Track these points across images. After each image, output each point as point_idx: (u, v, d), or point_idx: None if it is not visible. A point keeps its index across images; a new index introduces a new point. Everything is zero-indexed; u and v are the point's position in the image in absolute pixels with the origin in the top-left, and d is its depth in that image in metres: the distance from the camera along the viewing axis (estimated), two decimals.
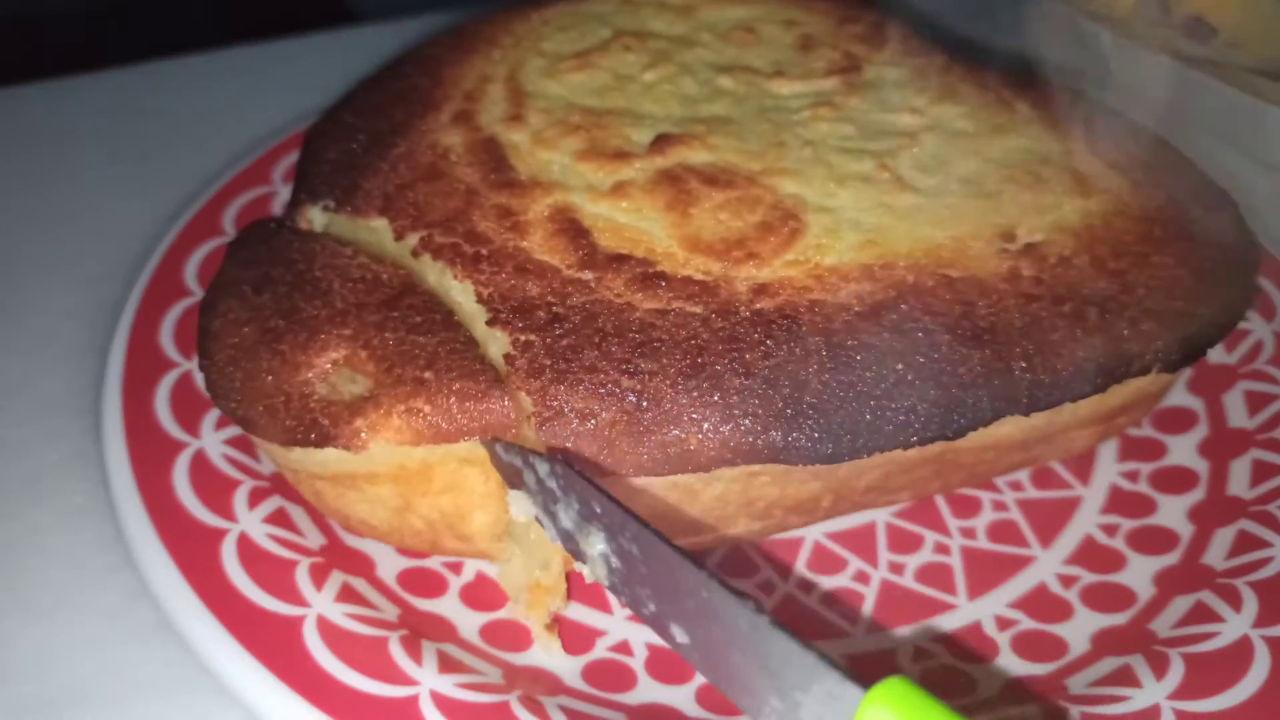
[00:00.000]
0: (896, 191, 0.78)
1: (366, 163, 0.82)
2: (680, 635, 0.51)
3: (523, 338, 0.68)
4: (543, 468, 0.58)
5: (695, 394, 0.66)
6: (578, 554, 0.59)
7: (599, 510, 0.54)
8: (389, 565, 0.75)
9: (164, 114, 1.22)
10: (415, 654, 0.66)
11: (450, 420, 0.65)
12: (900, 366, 0.68)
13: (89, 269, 1.01)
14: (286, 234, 0.79)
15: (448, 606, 0.72)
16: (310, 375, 0.68)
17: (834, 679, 0.45)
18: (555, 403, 0.66)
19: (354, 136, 0.86)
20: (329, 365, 0.69)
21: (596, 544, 0.56)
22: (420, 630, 0.69)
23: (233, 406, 0.70)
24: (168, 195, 1.07)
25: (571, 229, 0.74)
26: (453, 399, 0.66)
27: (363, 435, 0.64)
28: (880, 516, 0.81)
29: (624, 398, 0.66)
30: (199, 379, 0.77)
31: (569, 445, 0.66)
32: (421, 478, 0.68)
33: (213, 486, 0.75)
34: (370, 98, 0.92)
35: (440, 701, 0.63)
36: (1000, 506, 0.83)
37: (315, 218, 0.82)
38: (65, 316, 0.97)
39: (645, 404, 0.66)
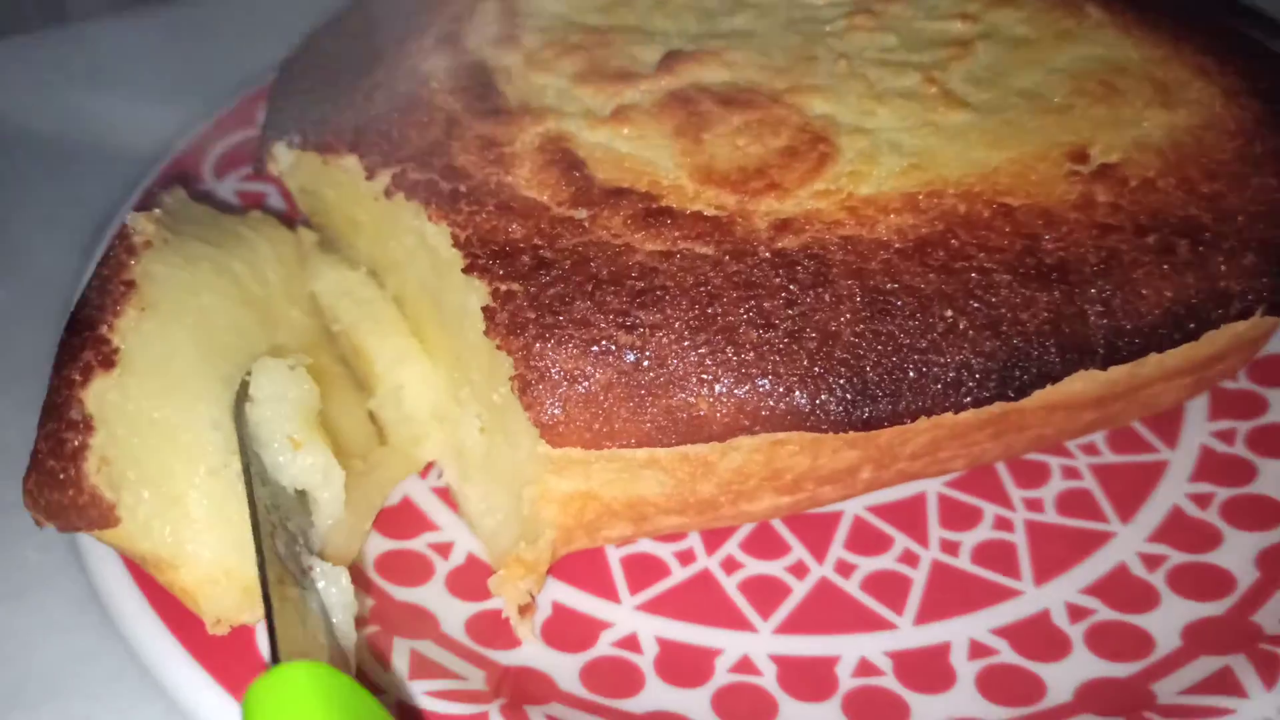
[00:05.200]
0: (945, 108, 0.67)
1: (339, 93, 0.72)
2: None
3: (503, 287, 0.58)
4: None
5: (705, 350, 0.56)
6: None
7: None
8: (368, 548, 0.66)
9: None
10: (384, 655, 0.57)
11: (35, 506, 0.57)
12: (950, 313, 0.57)
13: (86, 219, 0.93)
14: None
15: (431, 596, 0.64)
16: None
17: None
18: (540, 363, 0.56)
19: (330, 65, 0.77)
20: None
21: None
22: (394, 625, 0.61)
23: None
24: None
25: (564, 160, 0.64)
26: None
27: None
28: (931, 486, 0.71)
29: (621, 356, 0.56)
30: None
31: (557, 413, 0.56)
32: None
33: None
34: (353, 23, 0.82)
35: (406, 714, 0.54)
36: (1071, 473, 0.72)
37: (281, 156, 0.73)
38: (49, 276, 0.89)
39: (646, 363, 0.56)
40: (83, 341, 0.57)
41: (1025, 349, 0.58)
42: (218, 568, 0.55)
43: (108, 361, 0.56)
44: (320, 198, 0.75)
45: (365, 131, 0.68)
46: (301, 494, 0.58)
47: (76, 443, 0.55)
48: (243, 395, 0.58)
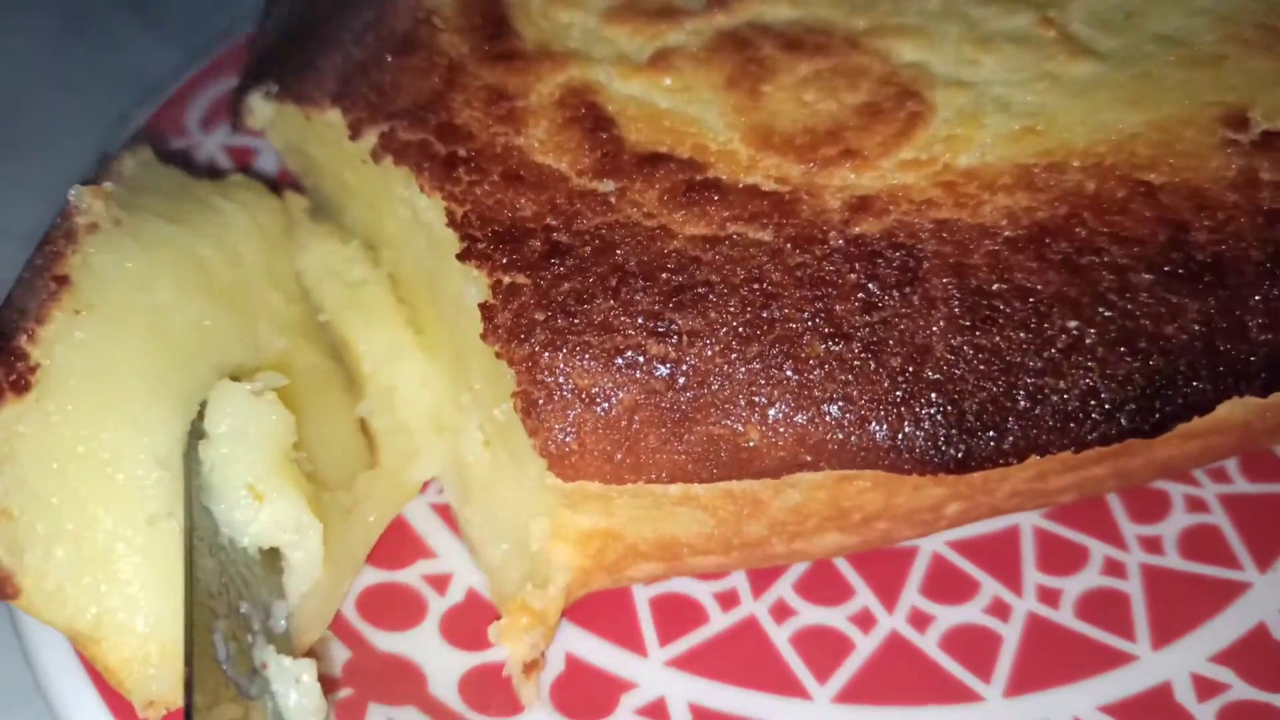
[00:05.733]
0: (1066, 57, 0.55)
1: (326, 32, 0.61)
2: None
3: (507, 279, 0.47)
4: None
5: (758, 365, 0.46)
6: None
7: None
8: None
9: None
10: None
11: None
12: (1074, 324, 0.46)
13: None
14: None
15: (420, 644, 0.55)
16: None
17: None
18: (549, 378, 0.45)
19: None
20: None
21: None
22: (372, 687, 0.51)
23: None
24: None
25: (589, 118, 0.52)
26: None
27: None
28: (1026, 519, 0.60)
29: (651, 370, 0.46)
30: None
31: (569, 441, 0.44)
32: None
33: None
34: None
35: None
36: (1197, 505, 0.61)
37: (258, 108, 0.61)
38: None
39: (683, 380, 0.46)
40: None
41: (1169, 372, 0.46)
42: (151, 641, 0.45)
43: (22, 383, 0.46)
44: (308, 157, 0.65)
45: (351, 80, 0.57)
46: (270, 553, 0.47)
47: None
48: (196, 431, 0.48)
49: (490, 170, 0.51)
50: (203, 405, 0.48)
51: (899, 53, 0.55)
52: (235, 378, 0.49)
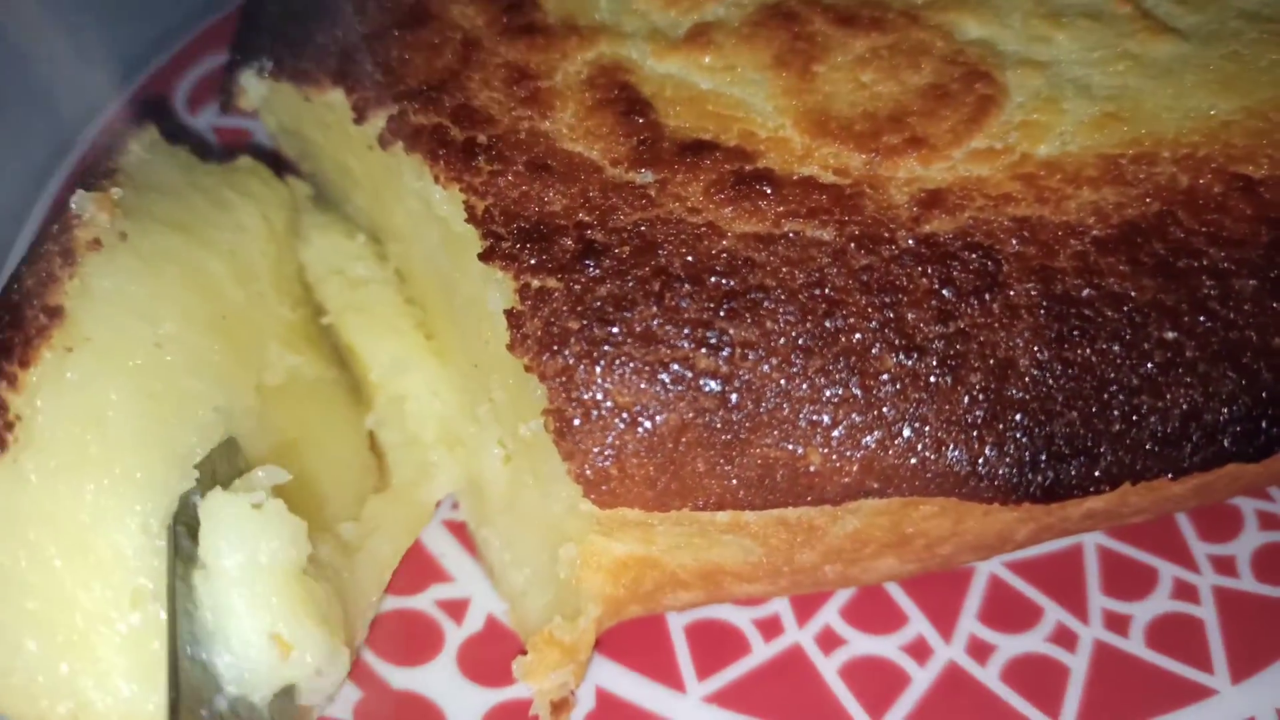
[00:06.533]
0: (1146, 34, 0.51)
1: (326, 1, 0.55)
2: None
3: (536, 282, 0.42)
4: None
5: (821, 381, 0.41)
6: None
7: None
8: None
9: None
10: None
11: None
12: (1172, 335, 0.42)
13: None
14: None
15: (437, 680, 0.50)
16: None
17: None
18: (586, 394, 0.40)
19: None
20: None
21: None
22: None
23: None
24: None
25: (622, 100, 0.47)
26: None
27: None
28: (1089, 536, 0.54)
29: (700, 386, 0.41)
30: None
31: (608, 466, 0.40)
32: None
33: None
34: None
35: None
36: (1271, 522, 0.57)
37: (250, 87, 0.56)
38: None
39: (735, 397, 0.41)
40: None
41: (1277, 390, 0.40)
42: None
43: None
44: (307, 141, 0.59)
45: (355, 56, 0.52)
46: (283, 692, 0.42)
47: None
48: (186, 555, 0.41)
49: (514, 159, 0.45)
50: (186, 508, 0.41)
51: (963, 28, 0.50)
52: (232, 436, 0.43)
